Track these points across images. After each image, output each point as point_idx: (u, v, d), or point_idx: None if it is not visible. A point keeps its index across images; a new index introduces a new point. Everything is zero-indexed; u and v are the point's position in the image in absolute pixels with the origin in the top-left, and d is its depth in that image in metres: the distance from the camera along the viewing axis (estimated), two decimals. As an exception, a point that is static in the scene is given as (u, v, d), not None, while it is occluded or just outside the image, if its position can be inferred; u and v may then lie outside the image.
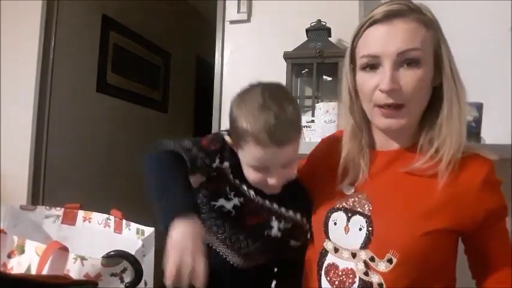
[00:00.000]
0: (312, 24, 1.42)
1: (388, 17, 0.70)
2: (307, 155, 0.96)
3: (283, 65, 1.42)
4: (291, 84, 1.42)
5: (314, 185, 0.87)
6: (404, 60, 0.69)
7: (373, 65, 0.72)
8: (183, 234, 0.63)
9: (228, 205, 0.81)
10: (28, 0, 2.05)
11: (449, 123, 0.71)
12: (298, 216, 0.84)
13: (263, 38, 1.62)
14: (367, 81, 0.73)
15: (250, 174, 0.77)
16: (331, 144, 0.86)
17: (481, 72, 1.33)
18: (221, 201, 0.81)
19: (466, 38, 1.36)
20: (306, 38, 1.42)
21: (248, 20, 1.65)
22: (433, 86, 0.73)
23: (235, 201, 0.81)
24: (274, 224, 0.83)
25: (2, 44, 2.06)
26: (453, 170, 0.70)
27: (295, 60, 1.41)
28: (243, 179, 0.80)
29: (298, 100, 1.48)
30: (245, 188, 0.81)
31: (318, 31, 1.40)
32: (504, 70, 1.31)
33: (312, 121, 1.27)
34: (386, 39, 0.69)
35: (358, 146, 0.79)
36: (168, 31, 3.29)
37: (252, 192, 0.81)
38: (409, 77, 0.69)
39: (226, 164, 0.81)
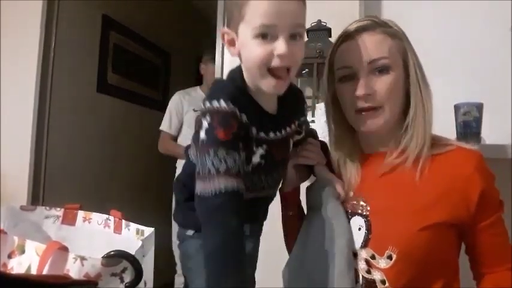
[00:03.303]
0: (312, 25, 1.41)
1: (358, 32, 0.78)
2: None
3: (283, 65, 1.42)
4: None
5: None
6: (376, 68, 0.77)
7: (349, 75, 0.79)
8: None
9: (256, 158, 0.77)
10: (28, 0, 2.05)
11: (415, 123, 0.77)
12: (303, 118, 0.89)
13: (263, 38, 1.62)
14: (345, 90, 0.80)
15: (256, 50, 0.70)
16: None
17: (481, 72, 1.33)
18: (254, 159, 0.77)
19: (466, 38, 1.37)
20: (306, 38, 1.42)
21: (248, 20, 1.65)
22: (405, 89, 0.79)
23: (260, 151, 0.78)
24: (290, 142, 0.86)
25: (2, 44, 2.06)
26: (440, 163, 0.75)
27: (295, 60, 1.41)
28: (258, 125, 0.76)
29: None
30: (263, 134, 0.77)
31: (318, 31, 1.40)
32: (504, 70, 1.31)
33: (312, 121, 1.26)
34: (358, 51, 0.78)
35: (345, 153, 0.85)
36: (168, 31, 3.29)
37: (271, 134, 0.78)
38: (381, 83, 0.76)
39: (243, 116, 0.73)
